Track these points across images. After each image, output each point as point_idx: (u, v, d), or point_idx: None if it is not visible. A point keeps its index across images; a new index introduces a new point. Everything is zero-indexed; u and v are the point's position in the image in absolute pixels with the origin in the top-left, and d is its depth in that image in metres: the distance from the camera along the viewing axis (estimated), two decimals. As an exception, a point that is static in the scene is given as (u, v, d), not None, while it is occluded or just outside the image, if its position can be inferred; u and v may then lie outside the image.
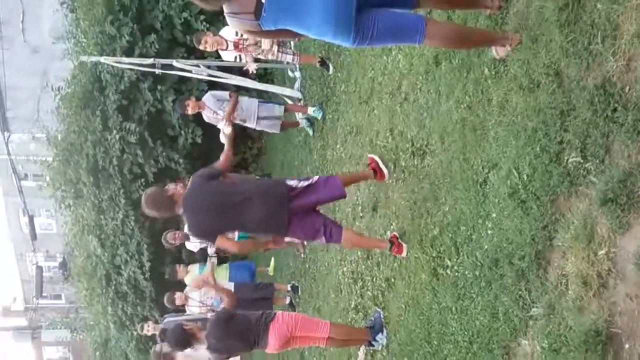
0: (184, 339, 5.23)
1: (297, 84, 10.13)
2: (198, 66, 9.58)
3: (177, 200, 4.77)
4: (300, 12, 3.41)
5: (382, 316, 5.33)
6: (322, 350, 7.05)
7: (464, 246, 4.05)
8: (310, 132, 9.27)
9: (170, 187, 4.93)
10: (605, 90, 2.82)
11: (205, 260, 9.50)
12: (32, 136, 17.65)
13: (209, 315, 7.89)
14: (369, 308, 5.73)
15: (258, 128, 8.91)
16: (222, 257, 10.34)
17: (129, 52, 11.25)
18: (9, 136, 20.42)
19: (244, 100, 8.58)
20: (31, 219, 24.41)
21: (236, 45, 8.16)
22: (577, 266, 2.84)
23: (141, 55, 10.93)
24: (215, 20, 10.79)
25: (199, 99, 8.54)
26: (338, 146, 7.69)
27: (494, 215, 3.70)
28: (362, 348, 5.57)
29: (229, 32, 8.08)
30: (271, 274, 10.88)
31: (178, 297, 8.61)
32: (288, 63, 9.57)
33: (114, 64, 10.68)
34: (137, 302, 13.25)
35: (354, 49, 7.11)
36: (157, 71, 10.03)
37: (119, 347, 14.61)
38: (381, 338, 5.22)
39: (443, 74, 4.76)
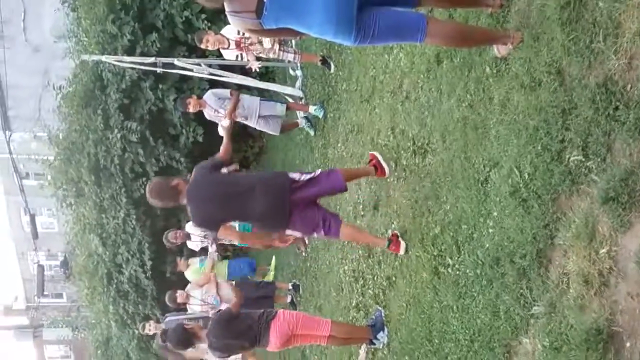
0: (185, 338, 5.24)
1: (298, 83, 10.13)
2: (199, 65, 9.58)
3: (181, 190, 4.81)
4: (301, 11, 3.41)
5: (383, 314, 5.33)
6: (323, 349, 7.05)
7: (465, 245, 4.05)
8: (312, 133, 9.27)
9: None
10: (606, 88, 2.82)
11: (206, 255, 9.52)
12: (33, 135, 17.65)
13: (211, 313, 7.91)
14: (370, 306, 5.73)
15: (258, 128, 8.91)
16: (224, 256, 10.37)
17: (130, 51, 11.25)
18: (10, 135, 20.42)
19: (246, 98, 8.58)
20: (32, 218, 24.39)
21: (238, 44, 8.17)
22: (579, 265, 2.84)
23: (142, 54, 10.94)
24: (217, 18, 10.80)
25: (200, 97, 8.54)
26: (339, 145, 7.69)
27: (495, 213, 3.70)
28: (363, 346, 5.57)
29: (230, 31, 8.09)
30: (271, 278, 10.77)
31: (179, 295, 8.61)
32: (289, 61, 9.56)
33: (116, 63, 10.69)
34: (138, 300, 13.26)
35: (356, 48, 7.11)
36: (159, 70, 10.05)
37: (120, 345, 14.63)
38: (382, 336, 5.22)
39: (444, 73, 4.76)
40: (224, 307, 7.90)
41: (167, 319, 8.88)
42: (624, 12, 2.78)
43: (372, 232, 5.91)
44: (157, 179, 5.16)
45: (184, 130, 12.17)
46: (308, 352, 7.91)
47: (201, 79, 10.62)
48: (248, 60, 8.49)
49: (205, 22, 11.32)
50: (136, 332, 12.67)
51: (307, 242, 8.76)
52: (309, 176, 4.84)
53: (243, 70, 9.53)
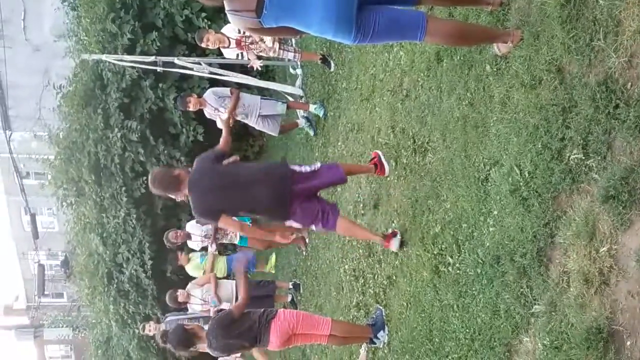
0: (185, 338, 5.22)
1: (298, 81, 10.12)
2: (199, 64, 9.58)
3: (182, 180, 4.86)
4: (301, 10, 3.41)
5: (383, 314, 5.33)
6: (324, 348, 7.05)
7: (465, 243, 4.05)
8: (312, 133, 9.26)
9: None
10: (607, 86, 2.82)
11: (207, 251, 9.52)
12: (33, 134, 17.63)
13: (212, 312, 7.91)
14: (371, 305, 5.73)
15: (257, 127, 8.90)
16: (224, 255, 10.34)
17: (130, 50, 11.26)
18: (10, 134, 20.41)
19: (246, 96, 8.58)
20: (33, 217, 24.37)
21: (238, 43, 8.17)
22: (579, 263, 2.84)
23: (142, 53, 10.94)
24: (217, 17, 10.81)
25: (200, 96, 8.54)
26: (339, 143, 7.69)
27: (495, 212, 3.69)
28: (364, 345, 5.57)
29: (231, 30, 8.09)
30: (273, 271, 10.81)
31: (180, 294, 8.60)
32: (289, 60, 9.56)
33: (116, 62, 10.70)
34: (139, 300, 13.26)
35: (356, 46, 7.11)
36: (159, 69, 10.05)
37: (120, 345, 14.61)
38: (383, 335, 5.22)
39: (444, 71, 4.76)
40: (224, 306, 7.91)
41: (167, 319, 8.89)
42: (625, 9, 2.77)
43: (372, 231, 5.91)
44: (159, 168, 5.23)
45: (184, 129, 12.17)
46: (308, 351, 7.91)
47: (201, 77, 10.63)
48: (249, 59, 8.49)
49: (206, 20, 11.33)
50: (137, 331, 12.66)
51: (307, 241, 8.76)
52: (309, 169, 4.90)
53: (243, 69, 9.52)
